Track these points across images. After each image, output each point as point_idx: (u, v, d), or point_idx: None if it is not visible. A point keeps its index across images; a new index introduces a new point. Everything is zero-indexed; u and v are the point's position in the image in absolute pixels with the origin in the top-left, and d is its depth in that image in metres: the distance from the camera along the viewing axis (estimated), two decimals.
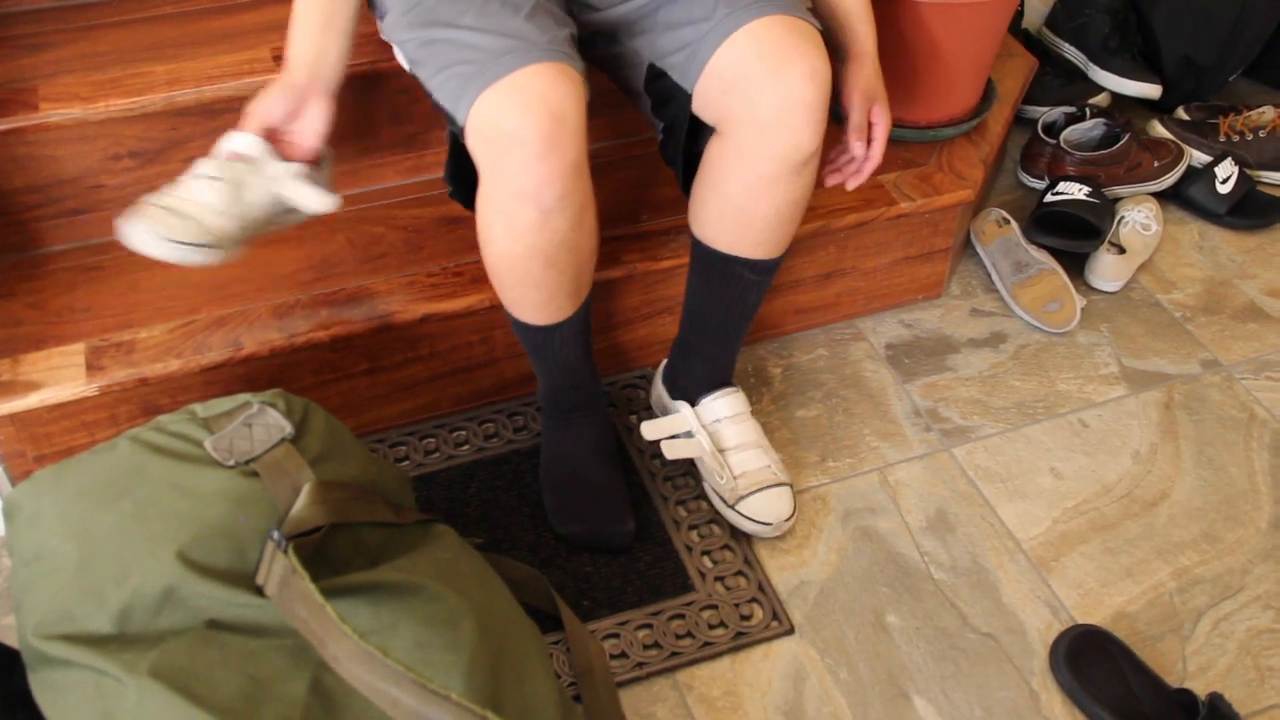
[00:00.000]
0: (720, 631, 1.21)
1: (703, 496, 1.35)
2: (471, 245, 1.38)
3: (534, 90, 0.99)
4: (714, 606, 1.23)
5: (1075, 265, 1.67)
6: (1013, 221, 1.70)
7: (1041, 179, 1.82)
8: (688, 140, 1.19)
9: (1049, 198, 1.69)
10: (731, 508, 1.29)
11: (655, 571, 1.26)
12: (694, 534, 1.31)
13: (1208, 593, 1.27)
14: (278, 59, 1.35)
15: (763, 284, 1.26)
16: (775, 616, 1.22)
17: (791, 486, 1.31)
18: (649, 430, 1.33)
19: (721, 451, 1.31)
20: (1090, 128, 1.82)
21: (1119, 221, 1.70)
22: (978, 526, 1.33)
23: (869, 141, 1.20)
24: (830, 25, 1.21)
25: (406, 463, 1.38)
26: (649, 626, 1.21)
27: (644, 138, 1.47)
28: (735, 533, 1.31)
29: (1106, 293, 1.66)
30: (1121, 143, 1.77)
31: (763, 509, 1.27)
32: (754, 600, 1.24)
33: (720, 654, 1.19)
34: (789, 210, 1.17)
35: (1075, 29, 2.00)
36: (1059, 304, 1.59)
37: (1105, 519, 1.34)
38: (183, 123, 1.34)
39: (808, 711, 1.15)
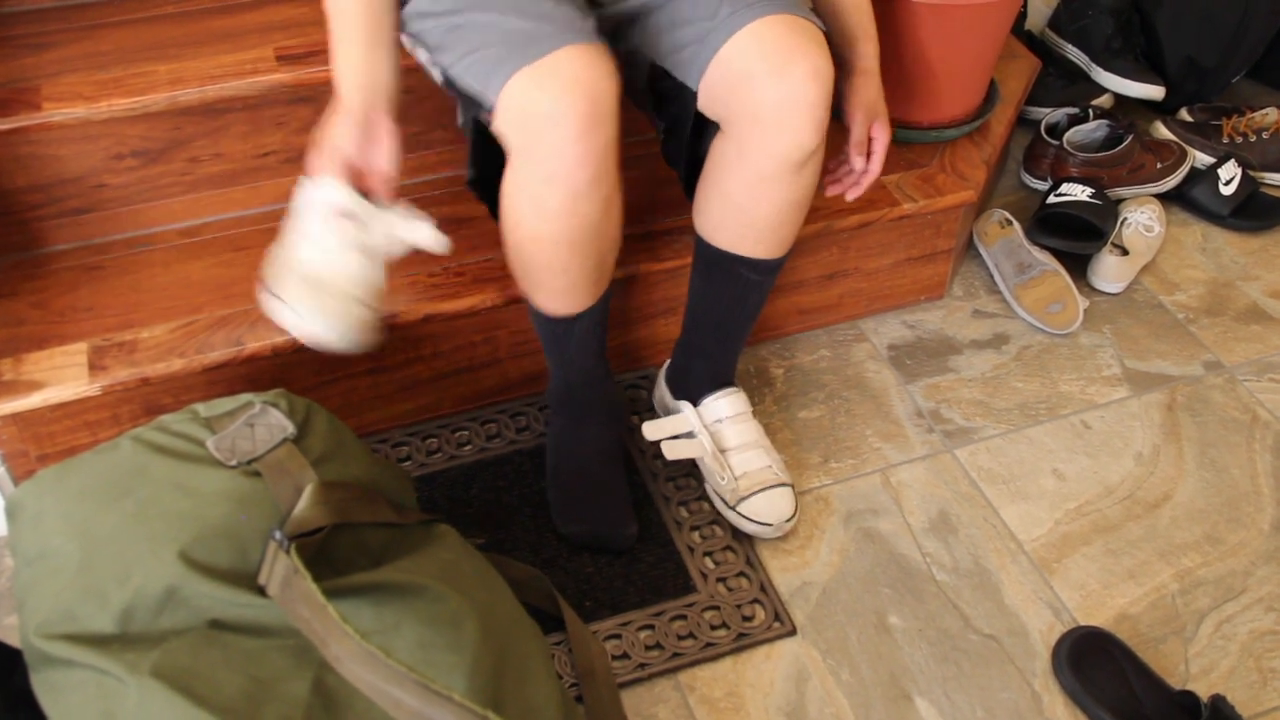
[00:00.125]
0: (722, 632, 1.21)
1: (704, 497, 1.34)
2: (473, 246, 1.38)
3: (569, 72, 0.98)
4: (716, 607, 1.23)
5: (1078, 266, 1.67)
6: (1015, 223, 1.70)
7: (1044, 180, 1.82)
8: (692, 139, 1.19)
9: (1051, 199, 1.68)
10: (733, 508, 1.29)
11: (657, 572, 1.26)
12: (696, 535, 1.31)
13: (1210, 594, 1.26)
14: (280, 58, 1.35)
15: (764, 284, 1.26)
16: (777, 617, 1.22)
17: (793, 487, 1.31)
18: (650, 430, 1.33)
19: (723, 452, 1.31)
20: (1093, 129, 1.82)
21: (1122, 223, 1.70)
22: (980, 528, 1.33)
23: (869, 155, 1.23)
24: (835, 41, 1.21)
25: (409, 463, 1.38)
26: (651, 627, 1.21)
27: (645, 138, 1.46)
28: (737, 534, 1.31)
29: (1109, 294, 1.66)
30: (1124, 144, 1.77)
31: (764, 510, 1.27)
32: (756, 601, 1.24)
33: (722, 655, 1.19)
34: (790, 209, 1.17)
35: (1078, 30, 2.00)
36: (1061, 305, 1.59)
37: (1107, 520, 1.34)
38: (185, 122, 1.34)
39: (810, 713, 1.15)
